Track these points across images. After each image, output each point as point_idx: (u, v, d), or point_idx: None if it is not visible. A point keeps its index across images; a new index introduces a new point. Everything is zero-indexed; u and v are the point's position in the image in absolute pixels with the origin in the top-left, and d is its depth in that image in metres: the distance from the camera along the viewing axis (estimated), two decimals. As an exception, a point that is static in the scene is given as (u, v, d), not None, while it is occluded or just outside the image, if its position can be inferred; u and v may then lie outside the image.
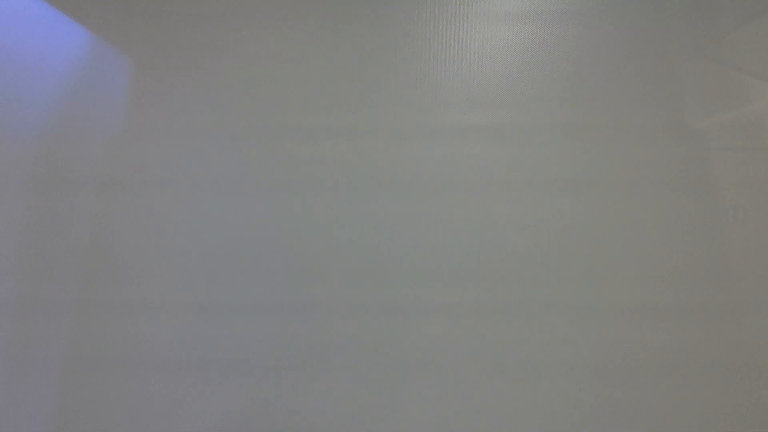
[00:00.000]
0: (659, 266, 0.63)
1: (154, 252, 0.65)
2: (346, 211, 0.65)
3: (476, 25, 0.68)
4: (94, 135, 0.68)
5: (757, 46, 0.67)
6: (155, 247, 0.65)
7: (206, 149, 0.67)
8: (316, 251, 0.65)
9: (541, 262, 0.63)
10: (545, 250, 0.64)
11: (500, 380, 0.62)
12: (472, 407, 0.62)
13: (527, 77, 0.67)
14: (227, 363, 0.63)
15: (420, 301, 0.64)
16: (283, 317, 0.64)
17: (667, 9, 0.68)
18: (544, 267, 0.63)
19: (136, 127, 0.68)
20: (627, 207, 0.64)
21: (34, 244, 0.65)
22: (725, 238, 0.63)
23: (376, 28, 0.69)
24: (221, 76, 0.69)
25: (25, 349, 0.64)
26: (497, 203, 0.65)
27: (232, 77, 0.69)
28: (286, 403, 0.62)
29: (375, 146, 0.66)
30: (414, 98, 0.67)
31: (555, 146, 0.65)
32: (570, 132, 0.66)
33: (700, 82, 0.66)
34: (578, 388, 0.61)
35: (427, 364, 0.63)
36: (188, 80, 0.69)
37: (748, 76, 0.66)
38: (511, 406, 0.62)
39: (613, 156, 0.65)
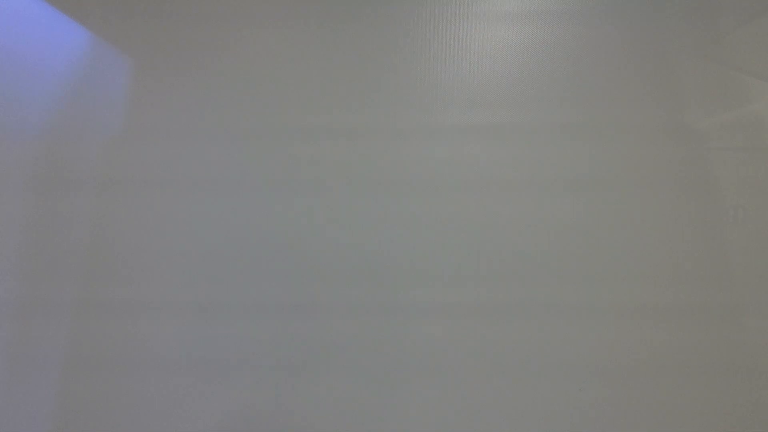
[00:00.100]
0: (659, 266, 0.63)
1: (154, 252, 0.65)
2: (346, 211, 0.65)
3: (476, 25, 0.68)
4: (94, 135, 0.68)
5: (757, 46, 0.67)
6: (155, 247, 0.65)
7: (206, 149, 0.67)
8: (316, 251, 0.65)
9: (541, 262, 0.63)
10: (545, 250, 0.64)
11: (500, 380, 0.62)
12: (472, 407, 0.62)
13: (527, 77, 0.67)
14: (227, 363, 0.63)
15: (420, 301, 0.64)
16: (283, 317, 0.64)
17: (667, 9, 0.68)
18: (544, 267, 0.63)
19: (136, 127, 0.68)
20: (627, 207, 0.64)
21: (34, 244, 0.65)
22: (725, 238, 0.63)
23: (376, 28, 0.69)
24: (221, 76, 0.69)
25: (25, 349, 0.64)
26: (497, 203, 0.65)
27: (232, 77, 0.69)
28: (286, 403, 0.62)
29: (375, 146, 0.66)
30: (414, 98, 0.67)
31: (555, 146, 0.65)
32: (570, 132, 0.66)
33: (700, 82, 0.66)
34: (578, 388, 0.61)
35: (427, 364, 0.63)
36: (188, 80, 0.68)
37: (748, 76, 0.66)
38: (511, 406, 0.62)
39: (613, 156, 0.65)
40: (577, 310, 0.63)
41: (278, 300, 0.64)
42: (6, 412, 0.63)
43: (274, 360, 0.63)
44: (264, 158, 0.66)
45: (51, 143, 0.67)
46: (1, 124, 0.67)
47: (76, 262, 0.65)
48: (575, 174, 0.65)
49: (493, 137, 0.66)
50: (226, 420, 0.62)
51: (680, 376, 0.61)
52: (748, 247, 0.63)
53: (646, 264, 0.63)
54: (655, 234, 0.63)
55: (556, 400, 0.61)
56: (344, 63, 0.68)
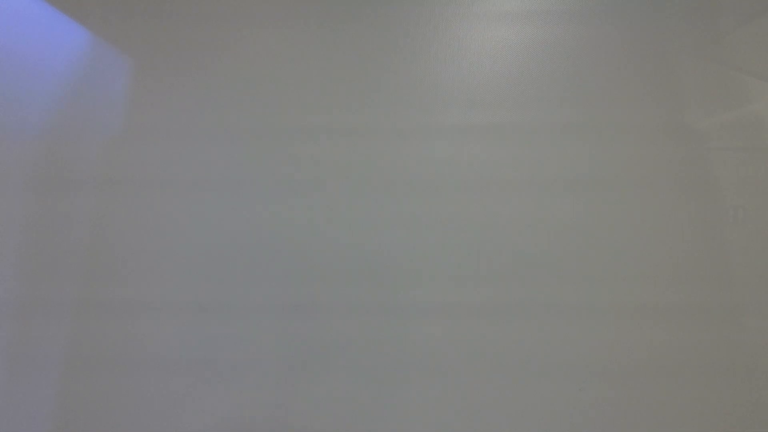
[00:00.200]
0: (659, 266, 0.63)
1: (154, 252, 0.65)
2: (346, 211, 0.65)
3: (476, 25, 0.68)
4: (94, 135, 0.68)
5: (757, 46, 0.67)
6: (155, 247, 0.65)
7: (206, 149, 0.67)
8: (316, 251, 0.65)
9: (541, 262, 0.63)
10: (545, 250, 0.64)
11: (500, 380, 0.62)
12: (472, 407, 0.62)
13: (527, 77, 0.67)
14: (227, 363, 0.63)
15: (420, 301, 0.64)
16: (283, 317, 0.64)
17: (667, 9, 0.68)
18: (544, 267, 0.63)
19: (136, 127, 0.68)
20: (627, 207, 0.64)
21: (34, 244, 0.65)
22: (725, 238, 0.63)
23: (376, 28, 0.69)
24: (221, 76, 0.69)
25: (25, 349, 0.64)
26: (497, 203, 0.65)
27: (232, 77, 0.69)
28: (286, 403, 0.62)
29: (375, 146, 0.66)
30: (414, 98, 0.67)
31: (555, 146, 0.65)
32: (570, 132, 0.66)
33: (700, 82, 0.66)
34: (578, 388, 0.61)
35: (427, 364, 0.63)
36: (188, 80, 0.68)
37: (748, 76, 0.66)
38: (511, 406, 0.62)
39: (613, 156, 0.65)
40: (577, 310, 0.63)
41: (278, 300, 0.64)
42: (6, 412, 0.63)
43: (274, 360, 0.63)
44: (264, 158, 0.66)
45: (51, 143, 0.67)
46: (1, 124, 0.67)
47: (76, 262, 0.65)
48: (575, 174, 0.65)
49: (493, 137, 0.66)
50: (225, 420, 0.62)
51: (680, 376, 0.61)
52: (748, 247, 0.63)
53: (646, 264, 0.63)
54: (655, 234, 0.63)
55: (556, 400, 0.61)
56: (344, 63, 0.68)
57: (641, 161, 0.64)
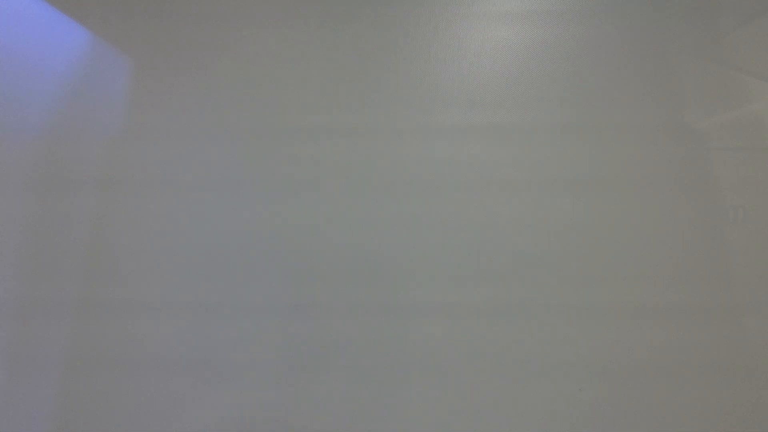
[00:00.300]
0: (659, 266, 0.63)
1: (154, 252, 0.65)
2: (346, 211, 0.65)
3: (476, 25, 0.68)
4: (94, 135, 0.68)
5: (757, 46, 0.67)
6: (155, 247, 0.65)
7: (206, 149, 0.67)
8: (316, 251, 0.65)
9: (541, 262, 0.63)
10: (545, 250, 0.64)
11: (500, 380, 0.62)
12: (472, 407, 0.62)
13: (527, 77, 0.67)
14: (227, 363, 0.63)
15: (420, 301, 0.64)
16: (283, 317, 0.64)
17: (667, 9, 0.68)
18: (544, 267, 0.63)
19: (136, 127, 0.68)
20: (627, 207, 0.64)
21: (34, 244, 0.65)
22: (725, 238, 0.63)
23: (376, 28, 0.69)
24: (221, 76, 0.69)
25: (25, 349, 0.64)
26: (497, 203, 0.65)
27: (232, 77, 0.69)
28: (286, 403, 0.62)
29: (375, 146, 0.66)
30: (414, 98, 0.67)
31: (555, 146, 0.65)
32: (570, 132, 0.66)
33: (700, 82, 0.66)
34: (578, 388, 0.61)
35: (427, 364, 0.63)
36: (188, 80, 0.68)
37: (748, 76, 0.66)
38: (511, 406, 0.62)
39: (613, 156, 0.65)
40: (577, 310, 0.63)
41: (278, 300, 0.64)
42: (6, 412, 0.63)
43: (274, 360, 0.63)
44: (264, 158, 0.66)
45: (51, 143, 0.67)
46: (1, 124, 0.67)
47: (76, 262, 0.65)
48: (575, 174, 0.65)
49: (493, 137, 0.66)
50: (225, 420, 0.62)
51: (680, 376, 0.61)
52: (748, 247, 0.63)
53: (646, 264, 0.63)
54: (655, 234, 0.63)
55: (556, 400, 0.61)
56: (344, 63, 0.68)
57: (641, 161, 0.64)
